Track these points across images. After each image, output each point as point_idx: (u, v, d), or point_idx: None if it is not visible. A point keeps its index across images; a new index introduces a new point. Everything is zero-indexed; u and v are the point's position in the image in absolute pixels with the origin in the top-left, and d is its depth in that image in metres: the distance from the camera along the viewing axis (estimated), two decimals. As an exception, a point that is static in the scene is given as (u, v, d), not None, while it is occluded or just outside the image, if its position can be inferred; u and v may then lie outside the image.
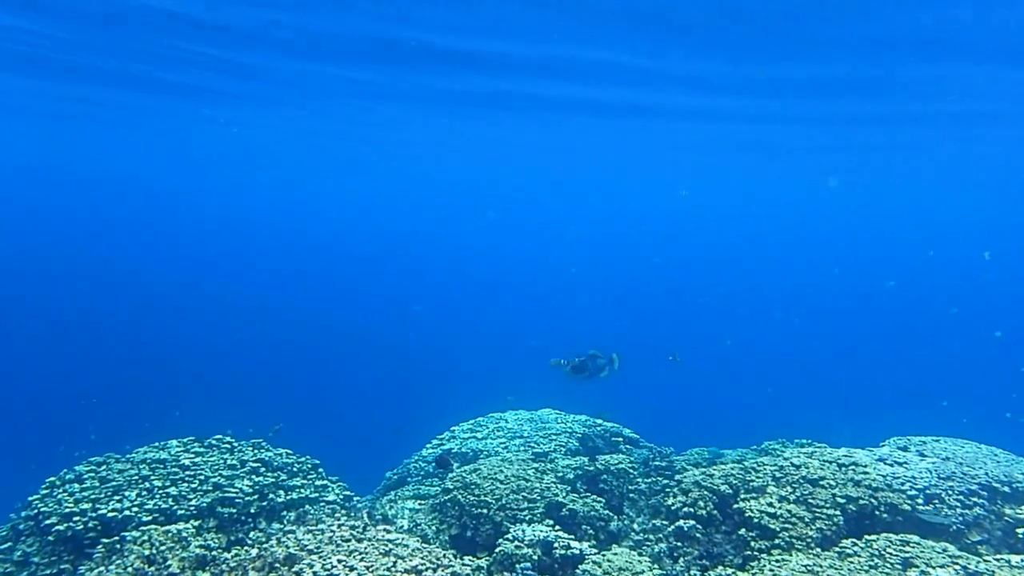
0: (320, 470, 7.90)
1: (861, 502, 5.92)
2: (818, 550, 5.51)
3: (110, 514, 6.25)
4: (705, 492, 6.63)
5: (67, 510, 6.31)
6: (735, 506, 6.33)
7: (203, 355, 24.67)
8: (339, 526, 5.39)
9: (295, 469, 7.62)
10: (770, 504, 6.09)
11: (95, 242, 44.91)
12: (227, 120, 27.59)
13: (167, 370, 22.48)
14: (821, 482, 6.20)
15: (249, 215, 65.81)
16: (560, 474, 7.54)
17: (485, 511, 6.77)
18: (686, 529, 6.33)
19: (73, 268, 35.78)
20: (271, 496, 7.01)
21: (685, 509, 6.54)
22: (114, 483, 6.72)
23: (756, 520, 5.98)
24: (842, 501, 5.96)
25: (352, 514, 6.45)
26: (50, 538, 6.20)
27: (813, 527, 5.78)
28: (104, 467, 7.01)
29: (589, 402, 10.64)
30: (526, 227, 70.82)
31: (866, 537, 5.49)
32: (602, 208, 61.11)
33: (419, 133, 28.80)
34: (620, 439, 9.64)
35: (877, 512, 5.86)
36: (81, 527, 6.19)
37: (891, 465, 6.34)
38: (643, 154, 28.80)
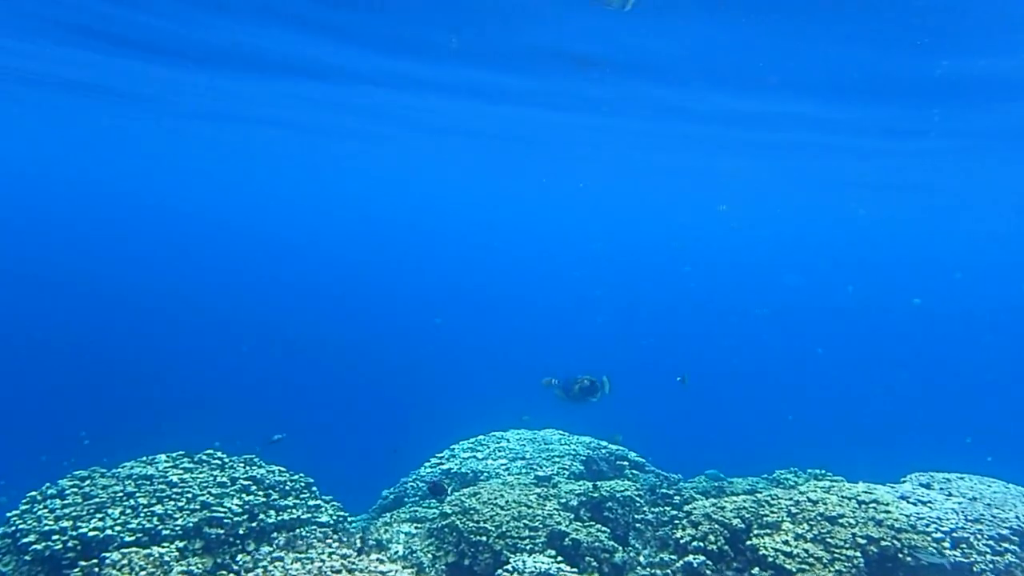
0: (314, 489, 7.58)
1: (883, 543, 5.58)
2: (837, 594, 5.18)
3: (91, 533, 5.96)
4: (716, 526, 6.30)
5: (46, 528, 6.01)
6: (748, 542, 6.00)
7: (196, 366, 24.33)
8: (330, 555, 5.09)
9: (287, 488, 7.31)
10: (785, 542, 5.76)
11: (92, 249, 44.64)
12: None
13: (159, 380, 22.15)
14: (840, 520, 5.87)
15: (249, 226, 65.41)
16: (563, 500, 7.22)
17: (484, 539, 6.45)
18: (695, 565, 6.01)
19: (67, 276, 35.50)
20: (261, 516, 6.71)
21: (695, 543, 6.21)
22: (97, 500, 6.42)
23: (771, 559, 5.65)
24: (863, 542, 5.62)
25: (345, 539, 6.14)
26: (27, 557, 5.90)
27: (832, 569, 5.44)
28: (88, 482, 6.72)
29: (594, 422, 10.31)
30: (539, 242, 70.23)
31: (889, 582, 5.17)
32: (620, 224, 60.39)
33: (412, 147, 28.70)
34: (625, 463, 9.32)
35: (900, 555, 5.53)
36: (60, 546, 5.89)
37: (915, 504, 6.01)
38: (669, 168, 28.26)
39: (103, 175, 58.73)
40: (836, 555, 5.55)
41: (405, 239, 67.60)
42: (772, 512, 6.20)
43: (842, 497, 6.14)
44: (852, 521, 5.82)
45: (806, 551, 5.63)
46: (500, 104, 19.27)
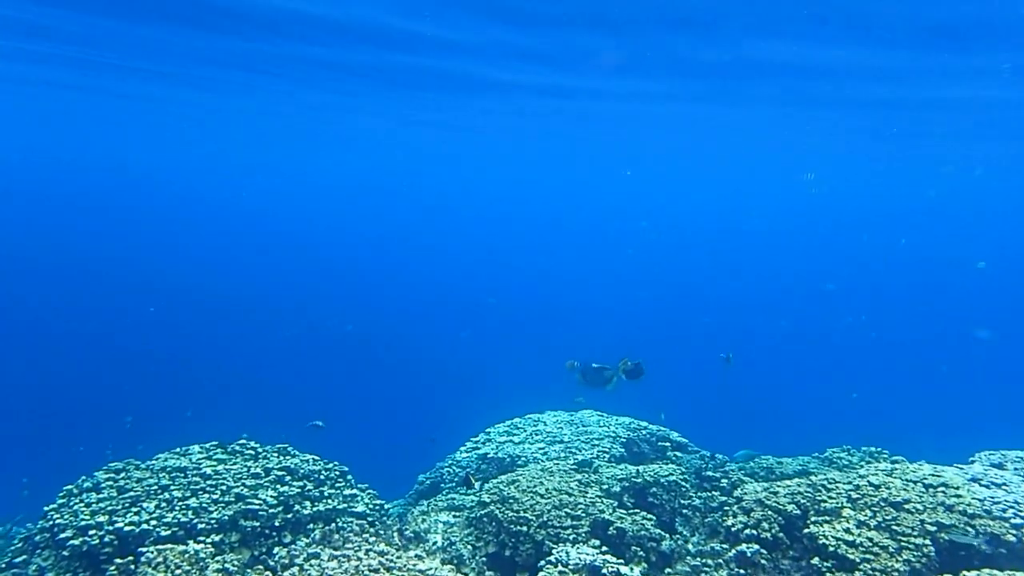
0: (349, 477, 7.43)
1: (956, 530, 5.18)
2: (907, 587, 4.82)
3: (127, 528, 5.88)
4: (769, 512, 5.96)
5: (83, 523, 5.95)
6: (805, 530, 5.65)
7: (232, 357, 24.50)
8: (367, 551, 4.89)
9: (322, 477, 7.17)
10: (847, 530, 5.39)
11: (131, 241, 45.28)
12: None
13: (194, 371, 22.35)
14: (906, 505, 5.47)
15: (283, 217, 65.60)
16: (606, 486, 6.94)
17: (525, 528, 6.21)
18: (749, 554, 5.68)
19: (110, 266, 36.02)
20: (297, 508, 6.57)
21: (747, 531, 5.89)
22: (132, 493, 6.35)
23: (832, 548, 5.29)
24: (932, 529, 5.23)
25: (382, 531, 5.96)
26: (65, 553, 5.85)
27: (899, 558, 5.07)
28: (123, 475, 6.65)
29: (633, 402, 9.98)
30: (578, 224, 69.05)
31: (964, 573, 4.78)
32: (663, 204, 58.84)
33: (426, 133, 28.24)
34: (668, 444, 9.00)
35: (975, 543, 5.12)
36: (97, 541, 5.82)
37: (988, 487, 5.58)
38: (723, 143, 27.13)
39: (154, 172, 59.42)
40: (903, 543, 5.17)
41: (444, 224, 67.36)
42: (830, 497, 5.83)
43: (907, 480, 5.74)
44: (920, 507, 5.43)
45: (870, 539, 5.26)
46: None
